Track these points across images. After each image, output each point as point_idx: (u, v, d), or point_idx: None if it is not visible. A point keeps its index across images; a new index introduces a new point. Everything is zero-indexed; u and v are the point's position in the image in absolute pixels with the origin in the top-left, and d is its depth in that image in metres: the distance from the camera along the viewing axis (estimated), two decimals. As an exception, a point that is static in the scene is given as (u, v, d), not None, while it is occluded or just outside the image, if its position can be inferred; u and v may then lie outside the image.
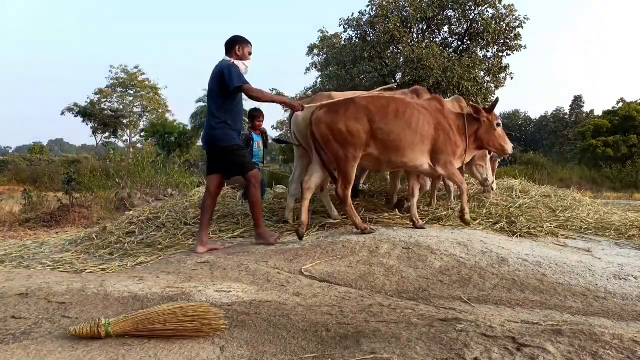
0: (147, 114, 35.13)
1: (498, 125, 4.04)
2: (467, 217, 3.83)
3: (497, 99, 4.19)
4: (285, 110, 22.01)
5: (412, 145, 3.66)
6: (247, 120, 6.08)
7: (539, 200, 4.97)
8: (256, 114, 5.71)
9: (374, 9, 18.31)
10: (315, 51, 22.09)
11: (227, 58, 3.73)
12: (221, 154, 3.68)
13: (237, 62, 3.67)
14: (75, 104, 32.15)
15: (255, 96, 3.66)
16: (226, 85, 3.56)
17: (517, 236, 3.90)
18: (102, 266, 3.42)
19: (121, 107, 34.30)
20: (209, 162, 3.82)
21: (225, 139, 3.65)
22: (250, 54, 3.78)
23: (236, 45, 3.75)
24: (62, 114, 32.26)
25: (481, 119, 3.94)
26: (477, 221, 4.19)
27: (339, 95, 4.09)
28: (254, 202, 3.63)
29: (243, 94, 3.69)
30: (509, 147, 4.09)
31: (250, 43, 3.80)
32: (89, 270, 3.31)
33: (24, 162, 27.99)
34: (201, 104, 37.22)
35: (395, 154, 3.65)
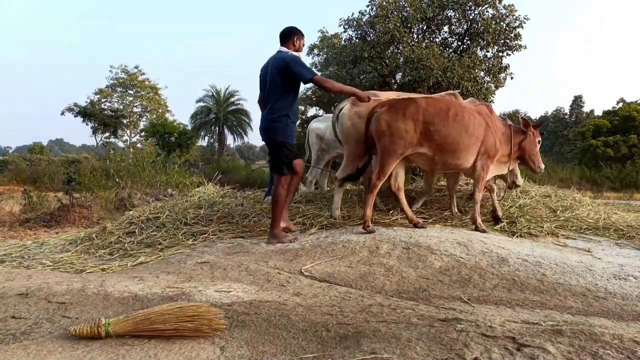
0: (147, 114, 35.14)
1: (539, 142, 4.29)
2: (479, 221, 3.96)
3: (546, 119, 4.54)
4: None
5: (467, 148, 3.83)
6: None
7: (539, 201, 4.97)
8: None
9: (374, 9, 18.30)
10: (315, 51, 22.07)
11: (285, 49, 3.71)
12: (273, 146, 3.70)
13: (295, 54, 3.69)
14: (75, 104, 32.15)
15: (329, 86, 3.67)
16: (293, 78, 3.57)
17: (517, 236, 3.91)
18: (102, 266, 3.42)
19: (121, 107, 34.31)
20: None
21: (284, 133, 3.68)
22: (303, 46, 3.83)
23: (294, 36, 3.76)
24: (62, 114, 32.27)
25: (527, 132, 4.16)
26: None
27: (383, 95, 4.23)
28: (277, 201, 3.64)
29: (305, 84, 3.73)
30: (542, 166, 4.34)
31: (304, 35, 3.84)
32: (89, 270, 3.31)
33: (24, 162, 27.99)
34: (201, 104, 37.28)
35: (452, 156, 3.81)
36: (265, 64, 3.82)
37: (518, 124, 4.24)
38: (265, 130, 3.72)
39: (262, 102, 3.88)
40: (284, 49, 3.71)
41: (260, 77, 3.90)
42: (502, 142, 4.05)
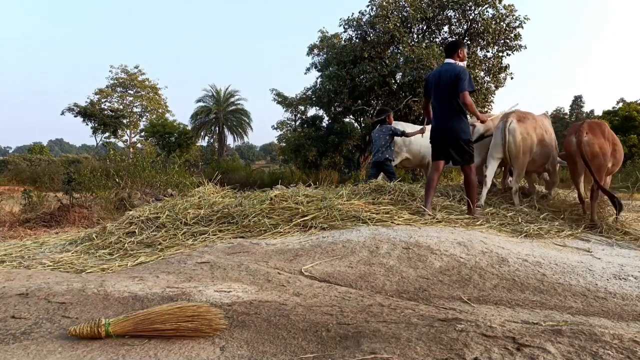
0: (147, 114, 35.14)
1: None
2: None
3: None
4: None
5: None
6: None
7: (539, 200, 4.98)
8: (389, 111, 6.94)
9: (374, 9, 18.30)
10: (315, 51, 22.06)
11: (452, 61, 4.41)
12: (459, 143, 4.37)
13: (462, 64, 4.40)
14: (75, 104, 32.14)
15: (468, 104, 4.28)
16: (460, 86, 4.23)
17: (523, 236, 3.91)
18: (102, 266, 3.42)
19: (121, 107, 34.31)
20: (440, 149, 4.52)
21: (467, 131, 4.45)
22: (466, 55, 4.51)
23: (457, 48, 4.45)
24: (62, 114, 32.26)
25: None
26: (479, 222, 4.20)
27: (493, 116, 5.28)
28: (473, 185, 4.43)
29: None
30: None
31: (466, 45, 4.48)
32: (89, 270, 3.31)
33: (24, 162, 28.01)
34: (201, 104, 37.28)
35: (618, 166, 4.98)
36: (434, 74, 4.52)
37: None
38: (450, 131, 4.39)
39: (428, 106, 4.64)
40: (452, 61, 4.42)
41: (428, 84, 4.55)
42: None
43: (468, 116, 4.44)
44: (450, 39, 19.20)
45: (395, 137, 6.73)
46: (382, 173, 6.70)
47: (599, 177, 4.46)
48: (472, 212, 4.36)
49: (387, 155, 6.65)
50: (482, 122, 4.69)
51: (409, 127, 7.07)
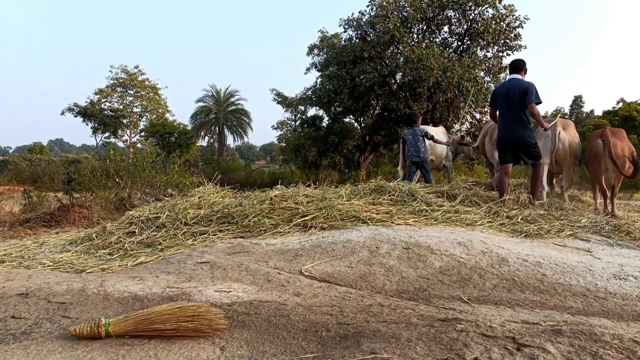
0: (147, 114, 35.14)
1: None
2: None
3: None
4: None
5: None
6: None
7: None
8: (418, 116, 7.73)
9: (374, 9, 18.30)
10: (315, 51, 22.07)
11: (518, 76, 5.18)
12: (529, 148, 5.15)
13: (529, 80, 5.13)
14: (75, 104, 32.16)
15: (536, 114, 5.00)
16: (528, 99, 4.92)
17: (523, 236, 3.91)
18: (102, 266, 3.42)
19: (121, 107, 34.31)
20: (509, 154, 5.22)
21: (533, 137, 5.23)
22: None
23: (524, 67, 5.24)
24: (62, 114, 32.29)
25: None
26: (479, 222, 4.20)
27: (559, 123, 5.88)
28: (539, 177, 5.26)
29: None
30: None
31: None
32: (89, 270, 3.31)
33: (24, 162, 28.02)
34: (201, 104, 37.28)
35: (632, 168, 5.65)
36: (502, 88, 5.25)
37: None
38: (519, 140, 5.13)
39: (495, 115, 5.39)
40: (518, 76, 5.17)
41: (497, 96, 5.28)
42: None
43: (531, 126, 5.21)
44: (450, 39, 19.20)
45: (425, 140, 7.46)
46: (419, 171, 7.42)
47: (624, 172, 5.39)
48: (533, 203, 4.95)
49: (428, 155, 7.36)
50: (545, 130, 5.30)
51: (431, 131, 7.73)
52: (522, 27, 17.39)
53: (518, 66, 5.25)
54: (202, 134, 36.95)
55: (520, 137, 5.11)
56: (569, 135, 5.74)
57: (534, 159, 5.22)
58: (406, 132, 7.49)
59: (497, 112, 5.30)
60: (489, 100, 18.29)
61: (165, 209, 4.72)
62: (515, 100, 4.99)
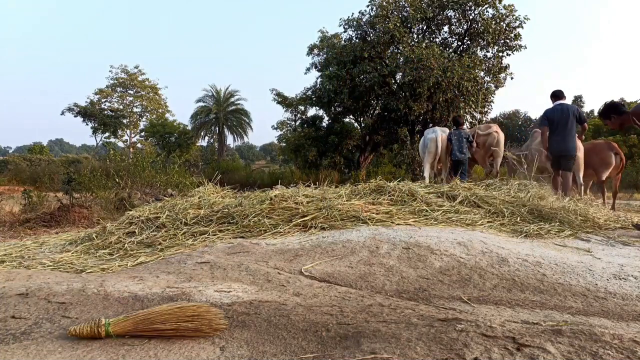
0: (147, 114, 35.15)
1: None
2: None
3: None
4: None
5: None
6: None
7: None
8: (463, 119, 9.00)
9: (374, 9, 18.30)
10: (315, 51, 22.08)
11: (566, 102, 6.69)
12: (573, 157, 6.65)
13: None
14: (75, 104, 32.19)
15: (586, 129, 6.92)
16: (579, 120, 6.56)
17: (523, 236, 3.92)
18: (102, 266, 3.42)
19: (121, 107, 34.32)
20: (560, 161, 6.59)
21: (576, 148, 6.70)
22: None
23: (564, 96, 6.77)
24: (62, 114, 32.32)
25: None
26: (479, 222, 4.20)
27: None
28: (569, 184, 6.56)
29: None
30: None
31: None
32: (89, 270, 3.31)
33: (24, 162, 28.02)
34: (201, 104, 37.28)
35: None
36: (557, 109, 6.58)
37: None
38: (572, 150, 6.58)
39: (546, 132, 6.63)
40: (564, 102, 6.69)
41: (550, 117, 6.60)
42: None
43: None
44: (450, 39, 19.21)
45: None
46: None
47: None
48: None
49: (468, 156, 8.34)
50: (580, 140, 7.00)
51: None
52: (522, 27, 17.40)
53: (562, 94, 6.77)
54: (202, 134, 36.94)
55: (572, 148, 6.61)
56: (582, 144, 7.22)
57: (569, 166, 6.67)
58: (451, 132, 8.46)
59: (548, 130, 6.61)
60: (488, 100, 18.33)
61: (165, 209, 4.71)
62: (571, 119, 6.50)
